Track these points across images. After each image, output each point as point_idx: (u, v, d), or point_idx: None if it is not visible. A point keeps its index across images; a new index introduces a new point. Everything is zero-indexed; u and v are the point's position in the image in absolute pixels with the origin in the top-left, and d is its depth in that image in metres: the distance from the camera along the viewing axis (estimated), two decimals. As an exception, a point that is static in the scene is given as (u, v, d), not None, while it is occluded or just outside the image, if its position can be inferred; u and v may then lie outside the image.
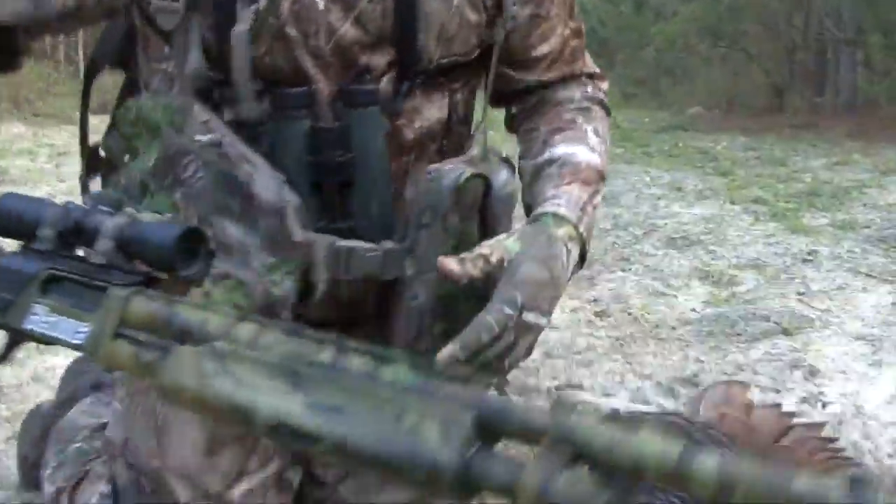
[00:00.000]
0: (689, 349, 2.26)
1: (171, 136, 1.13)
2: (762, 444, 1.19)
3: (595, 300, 2.67)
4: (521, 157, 1.26)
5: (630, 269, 3.03)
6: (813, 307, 2.60)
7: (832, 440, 1.25)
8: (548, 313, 1.03)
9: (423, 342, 1.22)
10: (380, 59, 1.08)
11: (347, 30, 1.06)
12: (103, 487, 1.43)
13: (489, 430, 0.64)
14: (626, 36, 16.81)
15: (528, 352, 1.02)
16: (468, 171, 1.12)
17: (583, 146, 1.24)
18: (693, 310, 2.59)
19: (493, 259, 1.04)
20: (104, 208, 1.01)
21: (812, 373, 2.08)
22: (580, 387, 2.04)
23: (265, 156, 1.10)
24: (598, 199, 1.25)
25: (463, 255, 1.05)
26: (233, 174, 1.10)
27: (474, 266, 1.04)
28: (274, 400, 0.73)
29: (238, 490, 1.21)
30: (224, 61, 1.07)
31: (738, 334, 2.35)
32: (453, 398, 0.67)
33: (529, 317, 1.00)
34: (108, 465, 1.39)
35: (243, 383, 0.76)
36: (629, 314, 2.53)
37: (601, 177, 1.26)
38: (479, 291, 1.15)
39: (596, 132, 1.24)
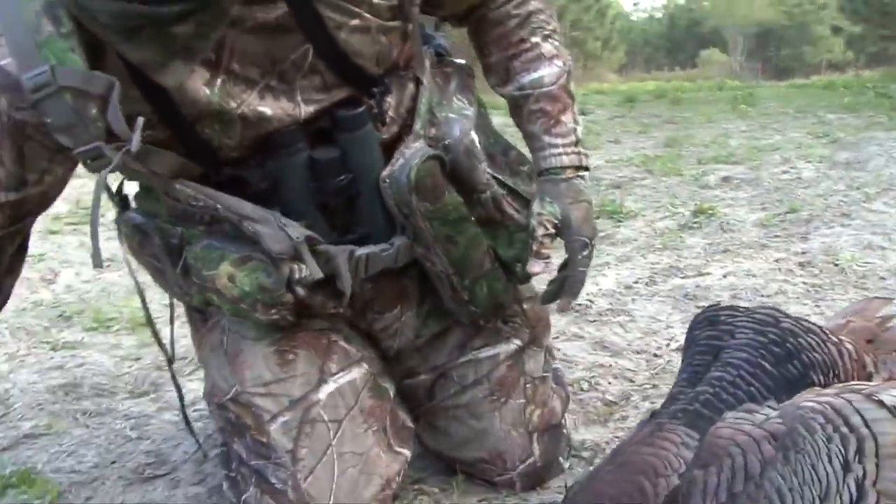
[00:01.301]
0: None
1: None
2: (883, 353, 1.20)
3: (803, 252, 2.59)
4: (492, 87, 1.42)
5: (849, 225, 2.88)
6: None
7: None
8: (596, 230, 1.32)
9: (460, 294, 1.35)
10: (343, 93, 1.19)
11: (297, 105, 1.16)
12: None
13: None
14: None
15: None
16: (415, 162, 1.21)
17: (543, 66, 1.35)
18: (910, 263, 2.44)
19: (551, 229, 1.28)
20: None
21: None
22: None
23: (270, 189, 1.20)
24: (575, 105, 1.39)
25: (535, 247, 1.27)
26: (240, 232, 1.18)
27: (547, 245, 1.28)
28: None
29: (323, 392, 1.26)
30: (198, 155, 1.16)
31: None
32: None
33: (594, 241, 1.30)
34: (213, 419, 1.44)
35: None
36: (835, 265, 2.43)
37: (569, 77, 1.37)
38: (482, 229, 1.33)
39: (544, 37, 1.36)
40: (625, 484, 1.05)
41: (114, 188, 1.32)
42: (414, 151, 1.22)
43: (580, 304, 2.22)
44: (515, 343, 1.46)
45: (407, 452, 1.35)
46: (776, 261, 2.53)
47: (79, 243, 3.16)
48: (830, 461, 1.00)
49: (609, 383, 1.78)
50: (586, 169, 1.34)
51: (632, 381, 1.80)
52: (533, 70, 1.35)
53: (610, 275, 2.51)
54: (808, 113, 6.17)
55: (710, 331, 1.21)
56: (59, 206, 3.25)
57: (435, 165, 1.23)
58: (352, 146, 1.22)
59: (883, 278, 2.31)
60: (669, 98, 8.09)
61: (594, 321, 2.15)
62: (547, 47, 1.35)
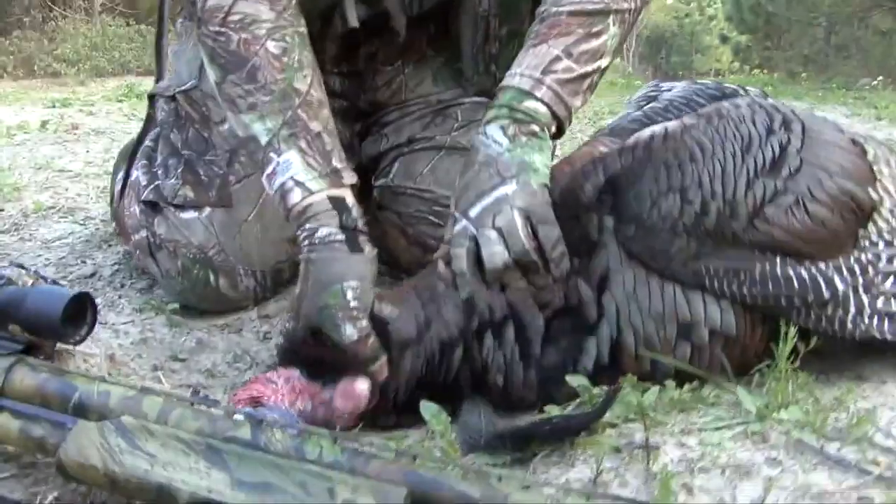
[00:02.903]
0: None
1: None
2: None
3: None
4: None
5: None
6: None
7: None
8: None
9: (490, 45, 1.30)
10: None
11: None
12: None
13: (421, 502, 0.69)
14: (796, 11, 15.68)
15: None
16: None
17: None
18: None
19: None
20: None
21: None
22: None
23: None
24: (586, 44, 1.13)
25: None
26: None
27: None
28: (196, 478, 0.73)
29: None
30: None
31: None
32: (383, 473, 0.71)
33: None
34: None
35: (158, 461, 0.75)
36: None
37: (593, 14, 1.12)
38: None
39: None
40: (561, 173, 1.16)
41: None
42: None
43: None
44: None
45: None
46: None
47: None
48: (755, 124, 1.05)
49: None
50: (559, 124, 1.14)
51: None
52: None
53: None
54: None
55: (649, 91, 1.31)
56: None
57: None
58: None
59: None
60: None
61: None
62: None
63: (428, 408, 1.04)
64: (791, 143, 1.04)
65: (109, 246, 1.83)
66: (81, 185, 2.64)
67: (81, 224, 2.13)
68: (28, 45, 9.77)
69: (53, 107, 4.98)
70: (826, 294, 1.03)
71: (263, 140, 1.14)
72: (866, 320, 1.04)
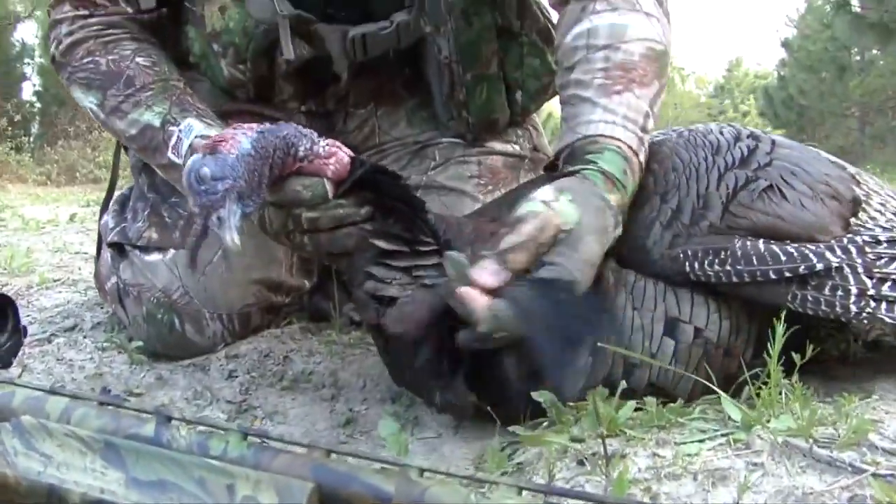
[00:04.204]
0: None
1: None
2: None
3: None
4: (556, 30, 1.13)
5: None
6: None
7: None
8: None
9: (458, 92, 1.25)
10: None
11: None
12: None
13: (331, 500, 0.63)
14: (828, 102, 15.75)
15: None
16: None
17: (635, 14, 1.03)
18: None
19: (546, 235, 0.88)
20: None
21: None
22: None
23: None
24: (660, 100, 1.05)
25: (505, 242, 0.87)
26: None
27: (526, 251, 0.87)
28: (90, 478, 0.69)
29: None
30: None
31: None
32: (289, 468, 0.65)
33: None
34: None
35: (53, 461, 0.71)
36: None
37: (662, 58, 1.02)
38: (497, 31, 1.22)
39: None
40: None
41: None
42: None
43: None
44: (515, 148, 1.38)
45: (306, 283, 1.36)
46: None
47: None
48: (722, 134, 1.06)
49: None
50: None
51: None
52: (619, 13, 1.07)
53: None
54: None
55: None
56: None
57: None
58: None
59: None
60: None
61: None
62: (648, 2, 1.11)
63: (386, 426, 0.97)
64: (759, 148, 1.04)
65: (101, 307, 1.80)
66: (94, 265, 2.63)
67: (82, 294, 2.11)
68: (71, 153, 10.17)
69: (88, 206, 5.09)
70: (819, 266, 0.94)
71: (157, 122, 1.17)
72: (872, 304, 0.93)
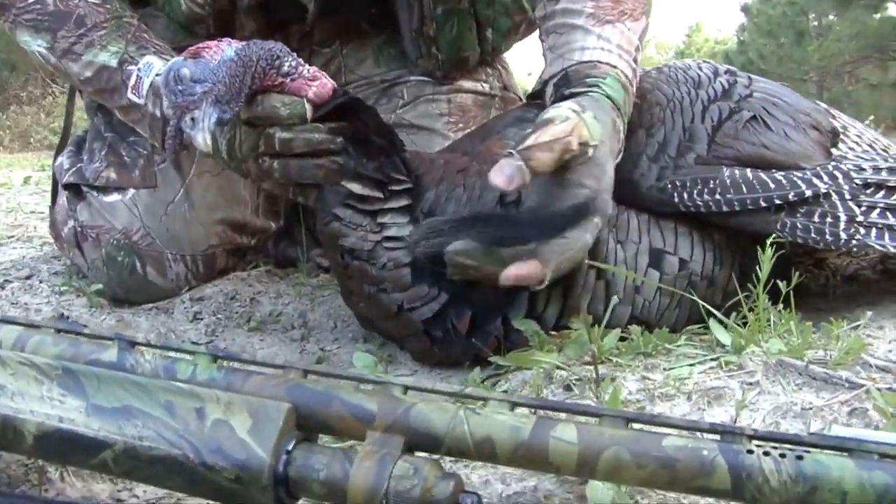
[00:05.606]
0: None
1: None
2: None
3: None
4: None
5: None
6: None
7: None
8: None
9: (427, 27, 1.23)
10: None
11: None
12: None
13: (309, 421, 0.58)
14: (787, 67, 15.90)
15: None
16: None
17: None
18: None
19: (575, 144, 0.82)
20: None
21: None
22: None
23: None
24: (644, 38, 1.03)
25: (532, 138, 0.81)
26: None
27: (552, 151, 0.81)
28: (46, 407, 0.64)
29: None
30: None
31: None
32: (263, 389, 0.61)
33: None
34: None
35: (6, 391, 0.66)
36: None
37: None
38: None
39: None
40: None
41: None
42: None
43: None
44: (485, 87, 1.36)
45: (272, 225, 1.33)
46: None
47: None
48: (700, 69, 1.08)
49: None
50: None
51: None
52: None
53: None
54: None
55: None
56: None
57: None
58: None
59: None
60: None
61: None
62: None
63: (361, 358, 0.94)
64: (738, 82, 1.06)
65: (58, 260, 1.73)
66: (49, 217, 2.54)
67: (38, 249, 2.02)
68: (25, 119, 9.86)
69: (43, 170, 4.94)
70: (808, 192, 0.95)
71: (114, 63, 1.12)
72: (861, 231, 0.94)
